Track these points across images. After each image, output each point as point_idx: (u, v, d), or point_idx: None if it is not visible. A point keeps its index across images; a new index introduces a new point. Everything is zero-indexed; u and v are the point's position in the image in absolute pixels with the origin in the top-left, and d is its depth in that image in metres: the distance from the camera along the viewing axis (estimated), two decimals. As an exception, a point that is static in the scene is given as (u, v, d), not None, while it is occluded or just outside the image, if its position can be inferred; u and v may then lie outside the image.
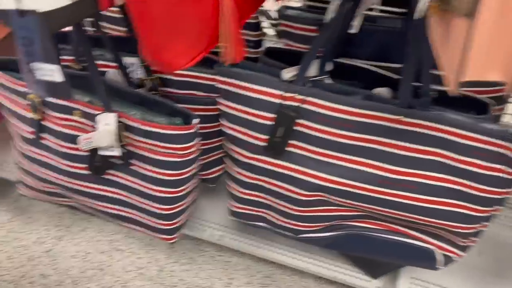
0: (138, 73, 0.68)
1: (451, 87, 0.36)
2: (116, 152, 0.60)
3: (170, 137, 0.60)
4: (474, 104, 0.60)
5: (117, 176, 0.67)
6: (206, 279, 1.02)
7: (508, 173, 0.54)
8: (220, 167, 0.80)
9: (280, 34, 0.80)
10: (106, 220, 1.16)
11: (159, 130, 0.60)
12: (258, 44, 0.82)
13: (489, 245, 0.89)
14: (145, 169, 0.64)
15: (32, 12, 0.35)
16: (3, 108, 0.71)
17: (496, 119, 0.74)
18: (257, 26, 0.81)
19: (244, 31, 0.81)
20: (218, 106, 0.65)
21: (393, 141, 0.57)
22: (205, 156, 0.76)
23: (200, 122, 0.70)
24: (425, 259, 0.66)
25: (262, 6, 0.64)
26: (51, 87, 0.39)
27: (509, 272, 0.85)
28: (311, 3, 0.83)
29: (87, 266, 1.05)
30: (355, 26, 0.68)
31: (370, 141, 0.58)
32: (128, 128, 0.61)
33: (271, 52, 0.70)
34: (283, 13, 0.76)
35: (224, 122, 0.66)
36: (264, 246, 0.92)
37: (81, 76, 0.64)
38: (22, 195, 0.97)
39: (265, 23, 0.98)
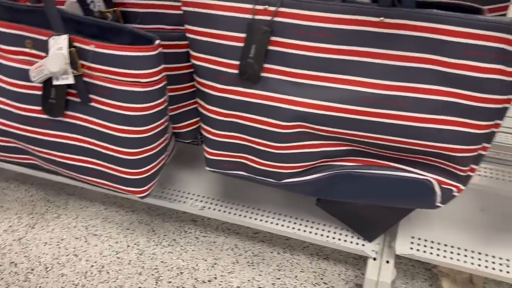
0: (98, 5, 0.62)
1: None
2: (70, 79, 0.54)
3: (130, 60, 0.54)
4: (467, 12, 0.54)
5: (76, 118, 0.60)
6: (189, 261, 0.94)
7: (508, 74, 0.48)
8: (194, 119, 0.73)
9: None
10: (79, 199, 1.08)
11: (116, 52, 0.53)
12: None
13: (492, 201, 0.82)
14: (106, 104, 0.58)
15: None
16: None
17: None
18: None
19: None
20: (187, 35, 0.59)
21: (377, 50, 0.51)
22: (177, 105, 0.70)
23: (170, 62, 0.64)
24: (423, 195, 0.59)
25: None
26: None
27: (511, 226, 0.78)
28: None
29: (61, 252, 0.97)
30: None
31: (352, 53, 0.52)
32: (83, 53, 0.54)
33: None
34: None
35: (193, 53, 0.59)
36: (250, 214, 0.84)
37: (34, 9, 0.59)
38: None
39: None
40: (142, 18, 0.63)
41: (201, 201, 0.88)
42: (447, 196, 0.59)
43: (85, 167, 0.65)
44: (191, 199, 0.89)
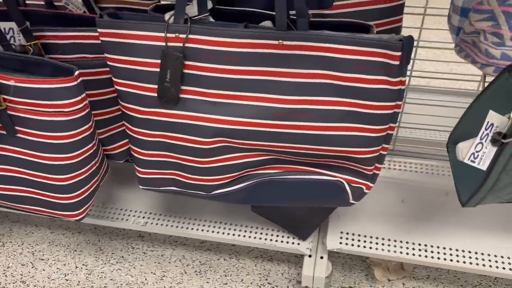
0: (18, 40, 0.64)
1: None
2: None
3: (51, 92, 0.56)
4: (358, 30, 0.61)
5: (5, 150, 0.62)
6: (138, 276, 0.96)
7: (393, 84, 0.55)
8: (125, 141, 0.76)
9: None
10: (24, 225, 1.08)
11: (37, 86, 0.56)
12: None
13: (412, 193, 0.90)
14: (32, 134, 0.60)
15: None
16: None
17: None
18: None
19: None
20: (108, 63, 0.63)
21: (278, 69, 0.56)
22: (105, 129, 0.73)
23: (94, 88, 0.67)
24: (336, 194, 0.65)
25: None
26: None
27: (430, 215, 0.86)
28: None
29: (8, 280, 0.97)
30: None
31: (257, 73, 0.57)
32: (3, 89, 0.57)
33: (160, 9, 0.68)
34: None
35: (114, 79, 0.63)
36: (192, 226, 0.88)
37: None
38: None
39: None
40: (64, 49, 0.66)
41: (143, 217, 0.91)
42: (358, 193, 0.66)
43: (20, 196, 0.66)
44: (133, 216, 0.91)
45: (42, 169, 0.62)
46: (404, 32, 0.77)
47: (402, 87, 0.55)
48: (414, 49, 0.84)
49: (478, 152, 0.49)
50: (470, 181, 0.55)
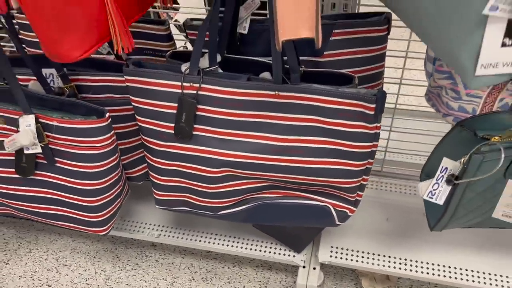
0: (57, 82, 0.76)
1: (277, 47, 0.47)
2: (38, 149, 0.68)
3: (86, 131, 0.68)
4: (343, 79, 0.72)
5: (44, 176, 0.74)
6: (151, 281, 1.08)
7: (370, 128, 0.66)
8: (143, 165, 0.88)
9: (191, 43, 0.92)
10: (48, 234, 1.20)
11: (74, 126, 0.68)
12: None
13: (396, 212, 1.01)
14: (68, 164, 0.72)
15: None
16: None
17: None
18: (169, 38, 0.92)
19: (157, 42, 0.92)
20: (132, 104, 0.74)
21: (275, 114, 0.68)
22: (127, 155, 0.85)
23: (119, 122, 0.79)
24: (324, 217, 0.76)
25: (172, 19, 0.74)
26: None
27: (412, 232, 0.96)
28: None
29: (36, 284, 1.09)
30: (245, 27, 0.79)
31: (258, 116, 0.69)
32: (47, 127, 0.69)
33: (177, 55, 0.80)
34: (189, 24, 0.87)
35: (137, 117, 0.75)
36: (200, 238, 1.00)
37: (3, 90, 0.72)
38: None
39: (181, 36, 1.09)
40: (94, 90, 0.78)
41: (157, 229, 1.03)
42: (343, 216, 0.77)
43: (55, 214, 0.78)
44: (148, 228, 1.03)
45: (76, 192, 0.74)
46: (388, 72, 0.88)
47: (378, 131, 0.67)
48: (397, 85, 0.95)
49: (435, 190, 0.60)
50: (434, 210, 0.66)
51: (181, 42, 1.19)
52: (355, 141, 0.67)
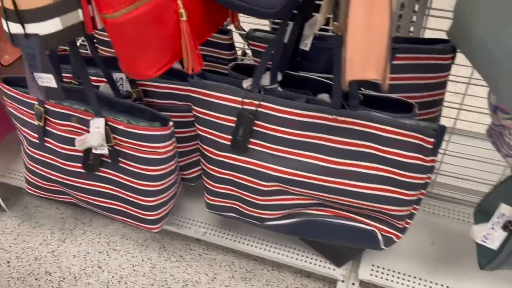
0: (125, 86, 0.81)
1: (343, 86, 0.48)
2: (105, 150, 0.73)
3: (150, 137, 0.73)
4: (403, 106, 0.72)
5: (108, 173, 0.80)
6: (193, 275, 1.13)
7: (426, 161, 0.66)
8: (198, 168, 0.92)
9: (252, 53, 0.94)
10: (102, 218, 1.28)
11: (141, 131, 0.72)
12: (232, 61, 0.95)
13: (442, 237, 1.00)
14: (131, 165, 0.77)
15: (34, 35, 0.48)
16: (12, 115, 0.85)
17: (436, 119, 0.86)
18: (231, 47, 0.95)
19: (220, 50, 0.95)
20: (193, 113, 0.78)
21: (330, 136, 0.69)
22: (184, 158, 0.89)
23: (179, 127, 0.83)
24: (370, 240, 0.77)
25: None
26: (49, 91, 0.52)
27: (456, 259, 0.95)
28: (276, 26, 0.96)
29: (87, 264, 1.16)
30: (307, 45, 0.81)
31: (313, 137, 0.70)
32: (115, 130, 0.73)
33: (239, 67, 0.83)
34: (251, 35, 0.89)
35: (197, 125, 0.78)
36: (243, 240, 1.03)
37: (78, 90, 0.78)
38: (30, 203, 1.09)
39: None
40: (159, 96, 0.82)
41: (203, 227, 1.07)
42: (389, 241, 0.77)
43: (113, 208, 0.84)
44: (195, 225, 1.08)
45: (135, 191, 0.79)
46: (448, 96, 0.86)
47: (433, 164, 0.66)
48: (456, 111, 0.93)
49: (489, 235, 0.59)
50: (486, 250, 0.65)
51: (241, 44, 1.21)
52: (410, 171, 0.68)
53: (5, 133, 1.10)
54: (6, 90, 0.80)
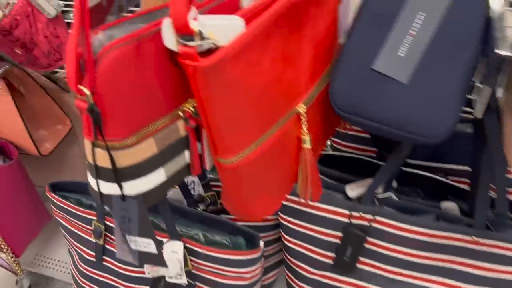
0: (197, 190, 0.68)
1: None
2: (183, 280, 0.60)
3: (235, 262, 0.59)
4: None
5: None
6: None
7: None
8: (275, 271, 0.78)
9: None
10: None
11: (226, 256, 0.59)
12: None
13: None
14: (211, 290, 0.63)
15: (133, 197, 0.35)
16: (61, 226, 0.72)
17: None
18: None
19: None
20: (280, 220, 0.65)
21: (466, 260, 0.56)
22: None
23: (262, 231, 0.69)
24: None
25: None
26: (146, 256, 0.39)
27: None
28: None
29: None
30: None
31: (441, 260, 0.57)
32: (192, 252, 0.60)
33: (329, 159, 0.70)
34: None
35: (286, 236, 0.65)
36: None
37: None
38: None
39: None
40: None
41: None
42: None
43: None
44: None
45: None
46: None
47: None
48: None
49: None
50: None
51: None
52: None
53: (42, 223, 0.96)
54: (55, 200, 0.68)
